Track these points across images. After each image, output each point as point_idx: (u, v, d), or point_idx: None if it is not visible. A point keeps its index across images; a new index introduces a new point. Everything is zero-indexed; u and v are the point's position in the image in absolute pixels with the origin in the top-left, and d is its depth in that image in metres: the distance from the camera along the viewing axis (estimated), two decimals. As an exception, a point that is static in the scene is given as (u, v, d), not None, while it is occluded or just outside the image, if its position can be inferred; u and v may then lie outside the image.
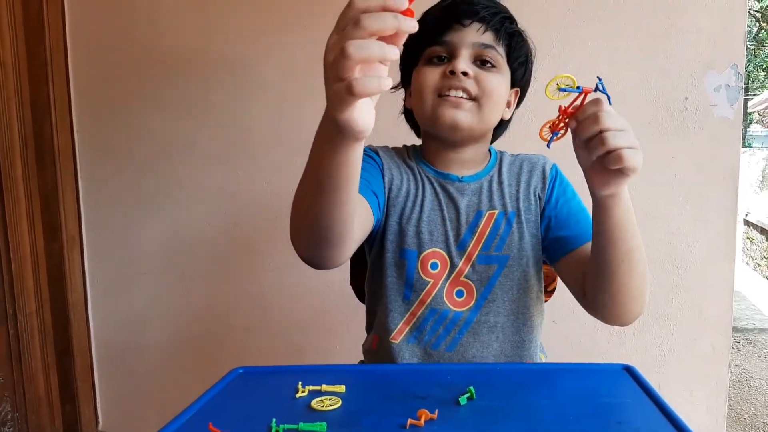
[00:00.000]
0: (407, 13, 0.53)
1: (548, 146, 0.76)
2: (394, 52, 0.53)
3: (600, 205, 0.78)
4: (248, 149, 1.77)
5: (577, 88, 0.72)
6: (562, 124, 0.75)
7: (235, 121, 1.77)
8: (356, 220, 0.77)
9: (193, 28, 1.75)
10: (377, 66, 0.53)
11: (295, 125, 1.74)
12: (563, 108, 0.74)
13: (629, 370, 0.82)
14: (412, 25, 0.53)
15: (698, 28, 1.57)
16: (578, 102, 0.73)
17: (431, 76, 0.95)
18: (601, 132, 0.69)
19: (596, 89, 0.73)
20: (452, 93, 0.93)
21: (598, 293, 0.87)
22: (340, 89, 0.53)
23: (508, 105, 1.03)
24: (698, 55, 1.58)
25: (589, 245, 0.93)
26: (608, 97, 0.73)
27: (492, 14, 0.95)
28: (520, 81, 1.04)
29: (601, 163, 0.71)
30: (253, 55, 1.74)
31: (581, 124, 0.71)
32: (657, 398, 0.72)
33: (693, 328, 1.66)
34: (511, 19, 0.99)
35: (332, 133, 0.61)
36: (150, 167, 1.82)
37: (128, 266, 1.88)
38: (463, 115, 0.94)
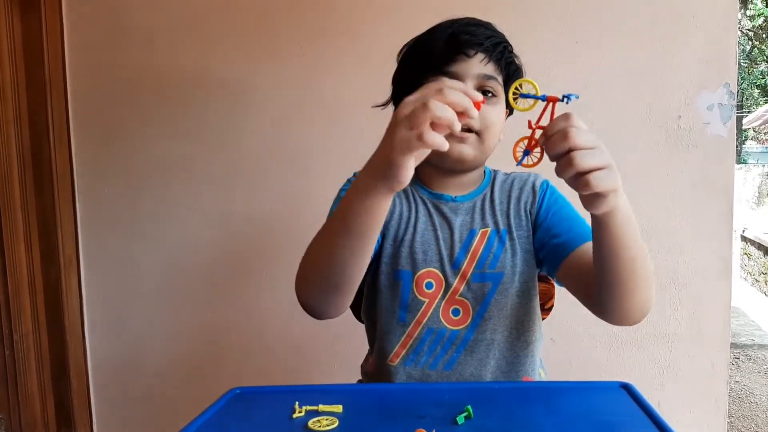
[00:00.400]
0: (477, 105, 0.65)
1: (517, 165, 0.72)
2: (459, 126, 0.64)
3: (597, 222, 0.74)
4: (245, 171, 1.78)
5: (542, 96, 0.68)
6: (535, 142, 0.69)
7: (232, 143, 1.77)
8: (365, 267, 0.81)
9: (191, 50, 1.77)
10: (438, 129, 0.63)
11: (292, 148, 1.75)
12: (533, 123, 0.69)
13: (627, 388, 0.81)
14: (476, 114, 0.65)
15: (690, 47, 1.59)
16: (547, 114, 0.68)
17: None
18: (570, 150, 0.63)
19: (563, 99, 0.68)
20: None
21: (603, 300, 0.85)
22: (410, 136, 0.63)
23: None
24: (691, 74, 1.60)
25: (584, 247, 0.93)
26: (570, 97, 0.68)
27: (494, 45, 0.96)
28: (510, 105, 1.06)
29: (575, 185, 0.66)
30: (251, 77, 1.75)
31: (550, 140, 0.66)
32: (655, 416, 0.71)
33: (691, 345, 1.66)
34: (510, 48, 1.01)
35: (375, 179, 0.69)
36: (147, 189, 1.82)
37: (125, 288, 1.87)
38: (467, 149, 0.95)
